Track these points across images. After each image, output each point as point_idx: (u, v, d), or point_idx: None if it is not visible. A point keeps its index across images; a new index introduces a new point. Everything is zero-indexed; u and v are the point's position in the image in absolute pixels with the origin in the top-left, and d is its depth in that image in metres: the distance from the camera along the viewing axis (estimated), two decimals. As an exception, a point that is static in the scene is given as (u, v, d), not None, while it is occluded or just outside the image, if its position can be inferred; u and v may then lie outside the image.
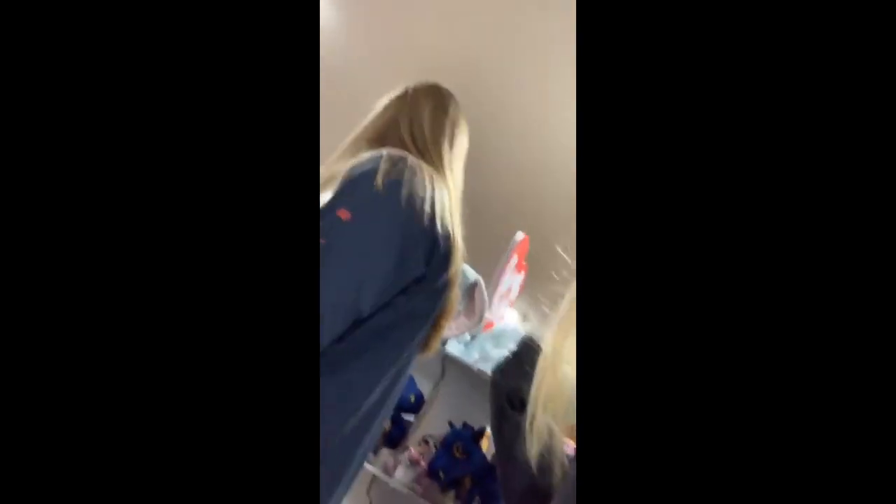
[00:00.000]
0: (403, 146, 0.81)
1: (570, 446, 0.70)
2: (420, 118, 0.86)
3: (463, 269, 0.95)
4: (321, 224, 0.64)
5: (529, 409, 0.64)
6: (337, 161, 0.79)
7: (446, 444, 1.71)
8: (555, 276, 0.62)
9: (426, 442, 1.80)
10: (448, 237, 0.74)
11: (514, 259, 1.45)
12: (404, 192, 0.67)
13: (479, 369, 1.75)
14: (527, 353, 0.95)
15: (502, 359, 0.91)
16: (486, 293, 1.37)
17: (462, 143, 0.93)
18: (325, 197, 0.68)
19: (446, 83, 0.99)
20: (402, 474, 1.68)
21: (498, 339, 1.73)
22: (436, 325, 0.83)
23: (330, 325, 0.62)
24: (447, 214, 0.74)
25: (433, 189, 0.72)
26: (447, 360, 1.88)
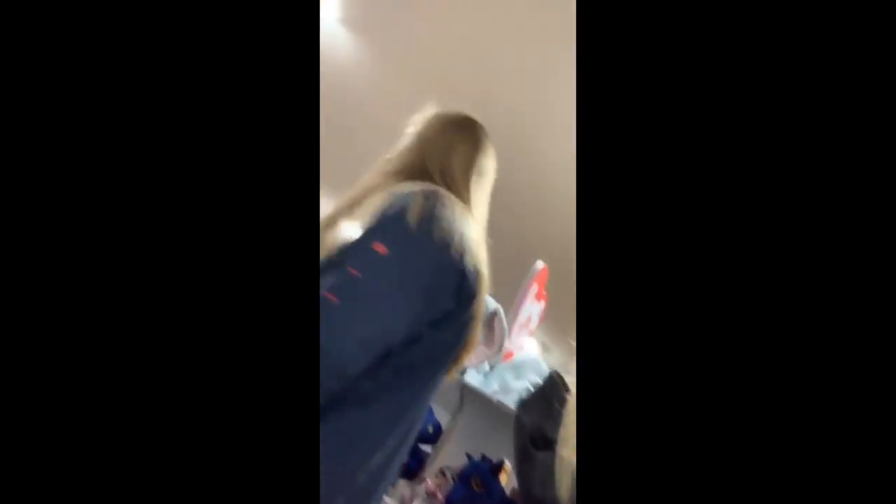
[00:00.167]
0: (433, 179, 0.81)
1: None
2: (451, 152, 0.86)
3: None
4: (355, 256, 0.65)
5: (558, 449, 0.62)
6: (368, 192, 0.79)
7: (464, 477, 1.67)
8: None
9: (443, 474, 1.76)
10: (476, 272, 0.74)
11: (534, 288, 1.43)
12: (438, 228, 0.69)
13: (498, 400, 1.72)
14: (552, 389, 0.93)
15: (526, 393, 0.89)
16: (505, 322, 1.36)
17: (490, 175, 0.94)
18: (355, 225, 0.69)
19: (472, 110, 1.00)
20: (418, 507, 1.64)
21: (518, 370, 1.70)
22: (457, 358, 0.83)
23: (360, 358, 0.62)
24: (476, 249, 0.75)
25: (464, 224, 0.73)
26: (466, 391, 1.85)
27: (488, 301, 1.35)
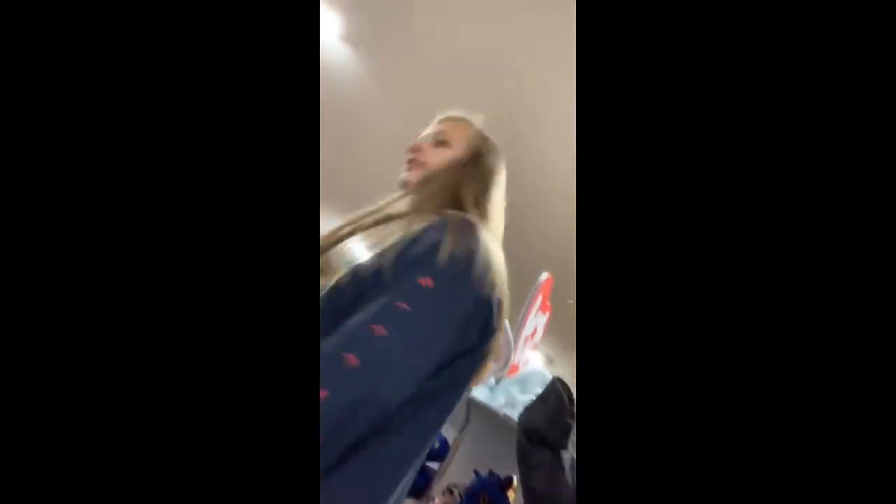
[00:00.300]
0: (464, 207, 0.82)
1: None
2: (479, 180, 0.87)
3: None
4: (400, 289, 0.65)
5: (571, 451, 0.64)
6: (395, 217, 0.79)
7: (472, 495, 1.65)
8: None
9: (451, 491, 1.74)
10: (500, 303, 0.75)
11: (539, 300, 1.42)
12: (475, 261, 0.70)
13: (505, 414, 1.70)
14: (552, 391, 0.93)
15: (530, 402, 0.90)
16: (511, 337, 1.34)
17: (503, 196, 0.94)
18: (389, 253, 0.69)
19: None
20: (426, 526, 1.62)
21: (524, 383, 1.68)
22: (473, 382, 0.83)
23: (405, 390, 0.63)
24: (503, 281, 0.76)
25: (494, 255, 0.75)
26: (472, 405, 1.84)
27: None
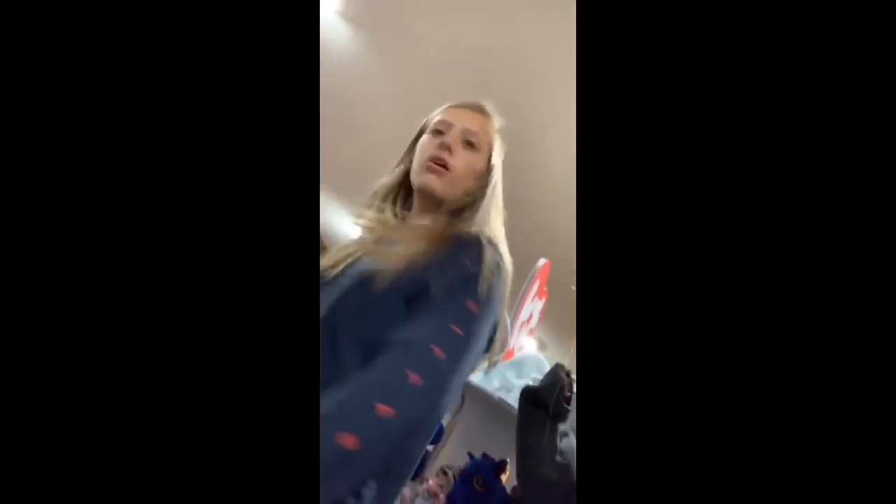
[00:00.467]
0: (478, 222, 0.83)
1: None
2: (491, 187, 0.87)
3: None
4: (453, 313, 0.70)
5: (571, 437, 0.66)
6: (435, 235, 0.79)
7: (466, 477, 1.67)
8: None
9: (445, 473, 1.76)
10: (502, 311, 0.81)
11: (536, 285, 1.43)
12: (503, 285, 0.76)
13: (500, 398, 1.72)
14: (552, 369, 0.95)
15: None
16: (508, 322, 1.35)
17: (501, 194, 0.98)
18: (437, 270, 0.72)
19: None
20: (420, 507, 1.64)
21: (520, 368, 1.69)
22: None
23: (452, 404, 0.71)
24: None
25: (510, 270, 0.79)
26: (466, 388, 1.85)
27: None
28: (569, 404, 0.90)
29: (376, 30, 1.72)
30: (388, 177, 0.90)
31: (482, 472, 1.63)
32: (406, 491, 1.67)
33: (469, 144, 0.85)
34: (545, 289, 1.48)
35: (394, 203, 0.89)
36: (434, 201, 0.84)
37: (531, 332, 1.55)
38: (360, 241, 0.85)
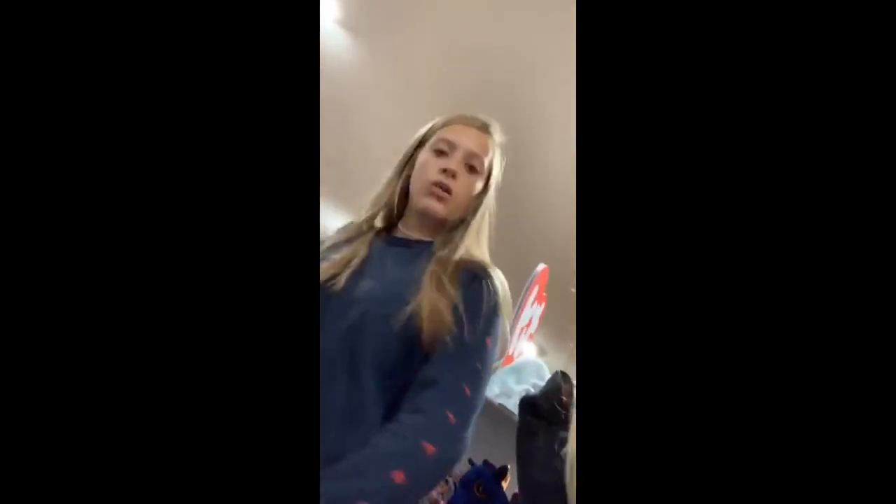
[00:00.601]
0: (465, 239, 0.86)
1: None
2: (484, 216, 0.90)
3: None
4: (475, 349, 0.76)
5: (561, 433, 0.66)
6: (459, 264, 0.83)
7: (467, 484, 1.66)
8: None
9: (445, 481, 1.75)
10: None
11: (535, 290, 1.43)
12: (507, 306, 0.82)
13: (499, 404, 1.71)
14: (552, 376, 0.95)
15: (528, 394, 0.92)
16: (507, 328, 1.35)
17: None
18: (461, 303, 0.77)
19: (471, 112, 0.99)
20: (420, 514, 1.62)
21: (519, 373, 1.69)
22: None
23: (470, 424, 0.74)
24: None
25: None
26: (467, 395, 1.84)
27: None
28: (566, 409, 0.90)
29: (375, 38, 1.73)
30: (384, 186, 0.90)
31: (483, 478, 1.62)
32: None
33: (471, 168, 0.87)
34: (544, 294, 1.48)
35: (389, 214, 0.90)
36: (434, 222, 0.86)
37: (531, 337, 1.55)
38: (356, 245, 0.85)
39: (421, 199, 0.85)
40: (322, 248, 0.87)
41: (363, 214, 0.90)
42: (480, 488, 1.62)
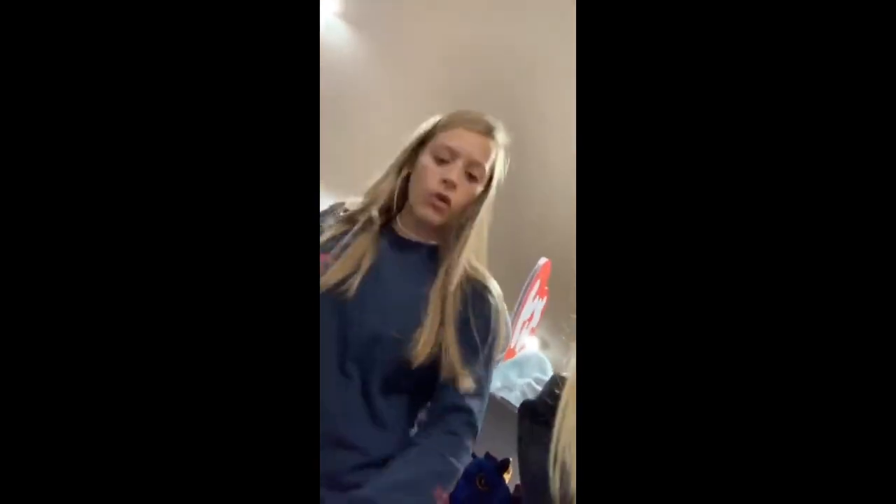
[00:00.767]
0: (461, 245, 0.89)
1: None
2: (481, 221, 0.92)
3: None
4: (486, 369, 0.88)
5: (555, 432, 0.66)
6: (464, 275, 0.88)
7: (469, 476, 1.66)
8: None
9: (447, 473, 1.75)
10: None
11: (537, 284, 1.43)
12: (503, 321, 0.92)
13: (501, 397, 1.71)
14: (552, 377, 0.96)
15: (530, 389, 0.94)
16: (510, 321, 1.35)
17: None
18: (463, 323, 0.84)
19: (471, 107, 0.98)
20: (422, 506, 1.63)
21: (521, 367, 1.69)
22: None
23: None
24: None
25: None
26: (468, 389, 1.84)
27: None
28: (554, 402, 0.91)
29: (376, 31, 1.72)
30: (383, 182, 0.90)
31: (485, 471, 1.63)
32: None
33: (472, 177, 0.88)
34: (546, 288, 1.48)
35: (387, 208, 0.90)
36: (432, 228, 0.89)
37: (532, 330, 1.55)
38: (361, 242, 0.85)
39: (419, 208, 0.87)
40: (322, 238, 0.88)
41: (358, 203, 0.91)
42: (483, 481, 1.63)
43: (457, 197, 0.87)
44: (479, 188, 0.90)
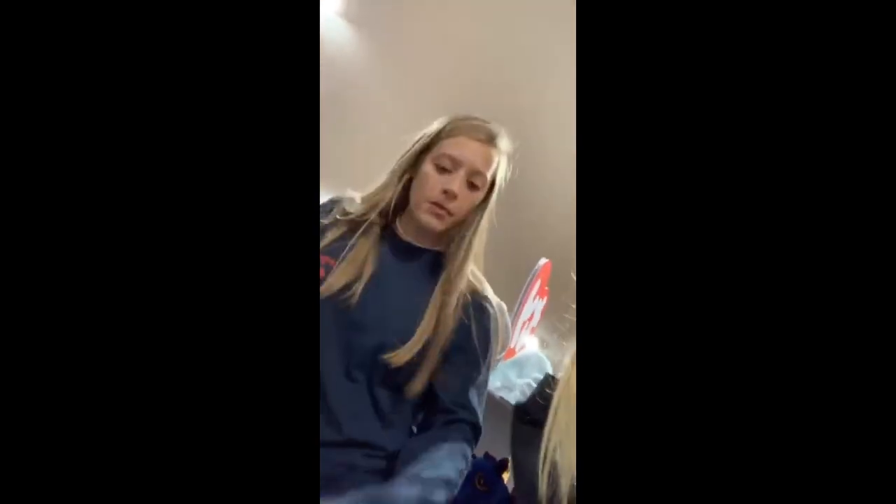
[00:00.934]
0: (460, 251, 0.91)
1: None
2: (480, 228, 0.93)
3: None
4: (485, 374, 0.93)
5: (546, 432, 0.67)
6: (465, 289, 0.90)
7: (467, 476, 1.66)
8: (571, 304, 0.64)
9: (446, 473, 1.75)
10: None
11: (537, 285, 1.43)
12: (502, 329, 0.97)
13: (500, 397, 1.71)
14: (544, 382, 0.96)
15: (528, 389, 0.94)
16: (509, 321, 1.35)
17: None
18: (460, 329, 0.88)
19: (471, 107, 0.98)
20: (422, 506, 1.63)
21: (521, 367, 1.69)
22: None
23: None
24: None
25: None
26: (468, 388, 1.84)
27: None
28: (546, 402, 0.91)
29: (376, 30, 1.72)
30: (384, 185, 0.90)
31: (483, 471, 1.63)
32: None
33: (473, 185, 0.88)
34: (546, 288, 1.48)
35: (387, 212, 0.90)
36: (432, 234, 0.89)
37: (532, 330, 1.55)
38: (362, 247, 0.86)
39: (420, 215, 0.88)
40: (322, 242, 0.87)
41: (358, 206, 0.90)
42: (481, 480, 1.63)
43: (457, 206, 0.88)
44: (481, 196, 0.90)
